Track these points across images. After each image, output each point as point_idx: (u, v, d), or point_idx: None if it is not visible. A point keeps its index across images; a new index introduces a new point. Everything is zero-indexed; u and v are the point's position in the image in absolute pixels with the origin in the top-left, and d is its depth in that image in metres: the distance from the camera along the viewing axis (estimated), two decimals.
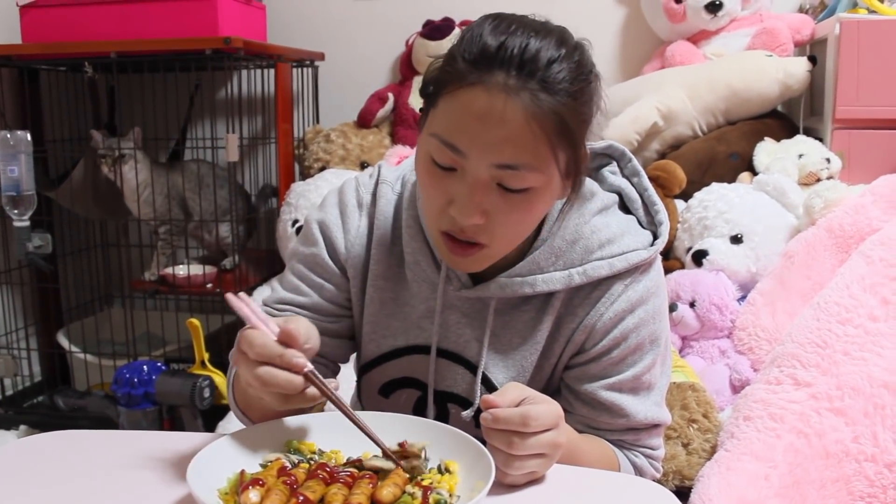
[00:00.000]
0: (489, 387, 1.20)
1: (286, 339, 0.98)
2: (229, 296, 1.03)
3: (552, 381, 1.24)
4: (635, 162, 1.27)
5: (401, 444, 1.01)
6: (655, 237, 1.21)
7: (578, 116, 1.04)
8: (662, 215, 1.22)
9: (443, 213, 1.06)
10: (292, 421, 1.07)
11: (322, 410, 1.12)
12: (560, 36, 1.04)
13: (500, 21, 1.03)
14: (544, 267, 1.16)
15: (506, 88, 0.98)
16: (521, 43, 1.00)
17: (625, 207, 1.25)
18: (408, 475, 0.97)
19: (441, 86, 1.04)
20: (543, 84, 0.99)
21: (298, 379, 0.97)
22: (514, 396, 1.01)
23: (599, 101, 1.10)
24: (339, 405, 1.01)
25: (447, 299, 1.20)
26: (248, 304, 1.02)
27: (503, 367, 1.21)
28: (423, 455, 1.01)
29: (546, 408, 1.01)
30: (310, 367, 0.98)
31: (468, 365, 1.22)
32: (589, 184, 1.21)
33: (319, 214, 1.27)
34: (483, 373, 1.20)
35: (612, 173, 1.27)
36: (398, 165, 1.29)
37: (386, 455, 1.00)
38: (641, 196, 1.25)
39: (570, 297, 1.18)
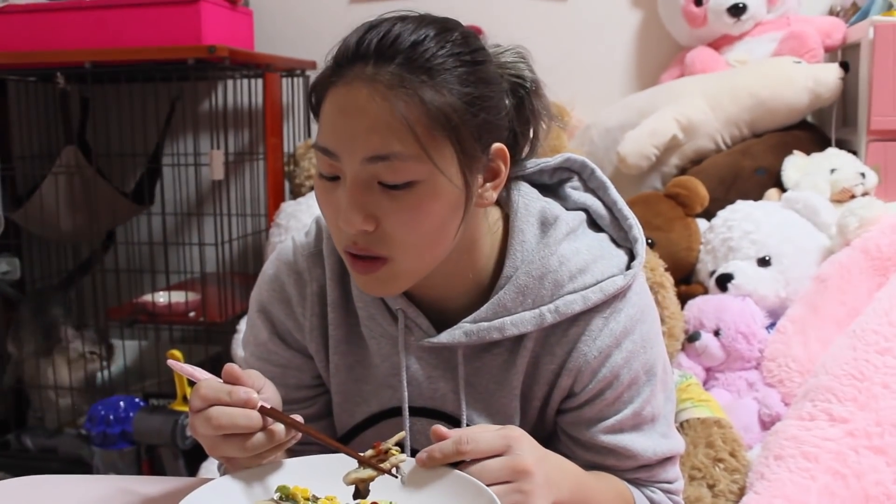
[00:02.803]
0: None
1: (230, 379, 1.01)
2: (171, 362, 1.08)
3: (543, 426, 1.21)
4: (599, 173, 1.23)
5: (375, 446, 1.03)
6: (632, 255, 1.19)
7: (456, 98, 1.02)
8: (636, 231, 1.19)
9: (339, 230, 1.05)
10: (285, 465, 1.06)
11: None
12: (434, 20, 1.05)
13: (363, 24, 1.05)
14: (511, 308, 1.13)
15: (364, 78, 1.00)
16: (381, 31, 1.01)
17: (595, 223, 1.22)
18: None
19: (317, 97, 1.06)
20: (405, 66, 1.00)
21: (255, 414, 0.99)
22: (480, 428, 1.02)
23: (539, 106, 1.11)
24: (304, 430, 1.03)
25: (410, 352, 1.18)
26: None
27: (487, 415, 1.18)
28: (400, 449, 1.02)
29: (485, 431, 1.00)
30: (263, 402, 1.01)
31: (450, 420, 1.19)
32: (550, 206, 1.19)
33: (260, 294, 1.25)
34: (467, 425, 1.18)
35: (574, 189, 1.24)
36: None
37: (363, 463, 1.01)
38: (611, 210, 1.22)
39: (545, 335, 1.16)
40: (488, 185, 1.09)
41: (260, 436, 1.00)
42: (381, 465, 1.00)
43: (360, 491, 1.01)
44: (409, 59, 1.00)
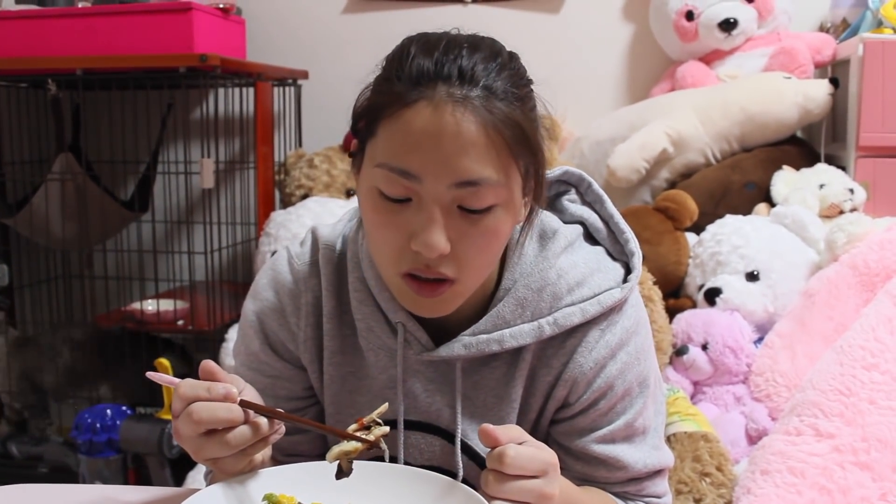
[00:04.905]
0: (470, 455, 1.18)
1: (207, 376, 1.01)
2: (150, 374, 1.07)
3: (535, 437, 1.22)
4: (596, 186, 1.25)
5: (357, 420, 1.03)
6: (628, 268, 1.20)
7: (532, 122, 1.04)
8: (633, 245, 1.20)
9: (402, 253, 1.03)
10: (270, 473, 1.06)
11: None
12: (491, 46, 1.06)
13: (427, 40, 1.04)
14: (510, 320, 1.14)
15: (453, 99, 0.98)
16: (456, 55, 1.01)
17: (591, 237, 1.24)
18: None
19: (378, 113, 1.03)
20: (489, 90, 1.00)
21: (236, 407, 0.98)
22: (514, 435, 1.01)
23: (542, 121, 1.11)
24: (286, 418, 1.03)
25: (409, 365, 1.18)
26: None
27: None
28: (382, 422, 1.03)
29: (531, 452, 0.99)
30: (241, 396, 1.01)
31: (444, 434, 1.19)
32: (549, 220, 1.20)
33: (253, 304, 1.24)
34: (462, 441, 1.18)
35: (571, 202, 1.26)
36: (334, 223, 1.25)
37: (347, 437, 1.01)
38: (608, 224, 1.23)
39: (543, 347, 1.16)
40: (525, 207, 1.11)
41: (243, 429, 0.99)
42: (366, 437, 1.00)
43: (343, 469, 1.01)
44: (490, 85, 1.00)
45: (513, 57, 1.07)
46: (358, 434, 1.01)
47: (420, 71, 1.00)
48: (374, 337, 1.18)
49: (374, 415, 1.03)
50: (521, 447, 0.99)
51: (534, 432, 1.21)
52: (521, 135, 1.02)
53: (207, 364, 1.01)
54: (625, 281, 1.18)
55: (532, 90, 1.07)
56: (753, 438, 2.13)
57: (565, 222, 1.21)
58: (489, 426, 0.99)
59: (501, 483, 0.97)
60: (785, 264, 2.33)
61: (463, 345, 1.14)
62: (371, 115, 1.04)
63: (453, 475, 1.16)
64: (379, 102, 1.03)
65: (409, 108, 1.00)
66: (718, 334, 2.26)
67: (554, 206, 1.26)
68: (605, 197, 1.24)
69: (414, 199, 1.02)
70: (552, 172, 1.26)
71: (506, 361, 1.17)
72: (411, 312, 1.15)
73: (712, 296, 2.34)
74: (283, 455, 1.23)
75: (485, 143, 0.99)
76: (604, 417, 1.17)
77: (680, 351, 2.28)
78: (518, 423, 1.18)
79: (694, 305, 2.43)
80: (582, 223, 1.23)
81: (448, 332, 1.16)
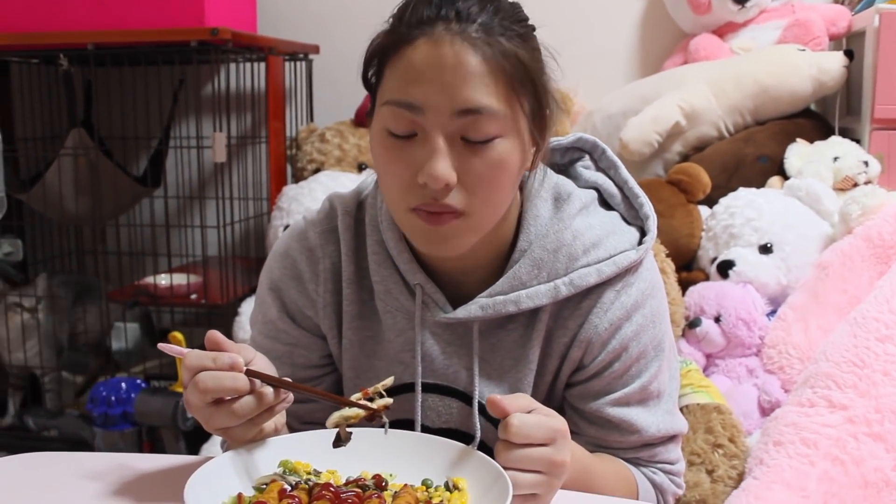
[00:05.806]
0: (488, 417, 1.19)
1: (213, 346, 1.01)
2: (161, 345, 1.08)
3: (552, 401, 1.23)
4: (610, 153, 1.26)
5: (361, 389, 1.04)
6: (643, 232, 1.20)
7: (534, 61, 1.06)
8: (647, 208, 1.22)
9: (410, 189, 1.05)
10: (284, 440, 1.07)
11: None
12: None
13: None
14: (527, 281, 1.15)
15: (451, 34, 1.01)
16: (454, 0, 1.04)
17: (605, 203, 1.24)
18: (419, 493, 0.98)
19: (382, 56, 1.07)
20: (487, 27, 1.03)
21: (242, 376, 0.99)
22: (523, 404, 1.01)
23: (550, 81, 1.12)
24: (293, 387, 1.04)
25: (426, 327, 1.18)
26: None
27: (499, 392, 1.18)
28: (386, 394, 1.04)
29: (536, 420, 0.99)
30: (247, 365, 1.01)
31: (462, 396, 1.20)
32: (563, 183, 1.20)
33: (271, 272, 1.25)
34: (479, 402, 1.18)
35: (585, 168, 1.27)
36: (351, 190, 1.27)
37: (351, 405, 1.01)
38: (622, 189, 1.24)
39: (559, 308, 1.17)
40: (532, 150, 1.12)
41: (249, 399, 0.99)
42: (369, 405, 1.01)
43: (342, 437, 1.01)
44: (488, 21, 1.03)
45: (511, 4, 1.09)
46: (362, 402, 1.01)
47: (419, 16, 1.03)
48: (392, 299, 1.18)
49: (380, 386, 1.03)
50: (526, 416, 0.99)
51: (550, 395, 1.21)
52: (522, 70, 1.04)
53: (213, 334, 1.02)
54: (640, 244, 1.18)
55: (534, 34, 1.09)
56: (766, 410, 2.12)
57: (580, 188, 1.22)
58: (497, 396, 0.99)
59: (509, 451, 0.98)
60: (798, 237, 2.32)
61: (480, 306, 1.14)
62: (377, 58, 1.08)
63: (471, 437, 1.17)
64: (382, 46, 1.07)
65: (410, 46, 1.03)
66: (731, 307, 2.26)
67: (568, 172, 1.26)
68: (619, 163, 1.25)
69: (419, 133, 1.04)
70: (565, 139, 1.26)
71: (522, 323, 1.17)
72: (429, 274, 1.15)
73: (725, 268, 2.33)
74: (300, 423, 1.23)
75: (485, 73, 1.01)
76: (618, 380, 1.17)
77: (693, 323, 2.28)
78: (534, 386, 1.20)
79: (707, 278, 2.43)
80: (596, 189, 1.23)
81: (465, 295, 1.16)
